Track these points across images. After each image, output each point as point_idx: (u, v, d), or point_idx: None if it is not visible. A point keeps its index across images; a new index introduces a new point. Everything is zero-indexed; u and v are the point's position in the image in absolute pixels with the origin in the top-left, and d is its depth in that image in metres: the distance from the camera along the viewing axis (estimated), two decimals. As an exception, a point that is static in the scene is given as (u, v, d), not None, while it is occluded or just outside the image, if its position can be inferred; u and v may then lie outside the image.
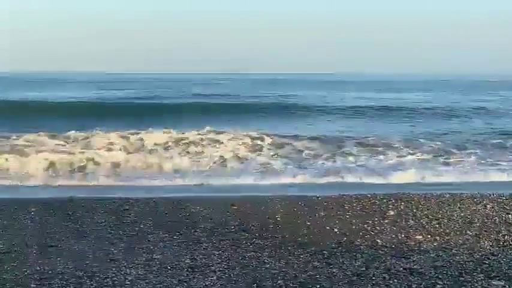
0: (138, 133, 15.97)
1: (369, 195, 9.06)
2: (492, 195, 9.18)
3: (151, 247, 6.25)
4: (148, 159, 13.48)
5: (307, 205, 8.37)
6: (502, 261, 5.82)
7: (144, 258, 5.84)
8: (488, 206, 8.36)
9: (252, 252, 6.09)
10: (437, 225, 7.30)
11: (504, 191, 9.61)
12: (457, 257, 5.96)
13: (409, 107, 28.19)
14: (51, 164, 12.69)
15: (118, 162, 13.12)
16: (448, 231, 7.05)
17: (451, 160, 14.38)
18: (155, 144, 15.22)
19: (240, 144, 15.29)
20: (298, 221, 7.49)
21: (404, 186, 10.74)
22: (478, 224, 7.37)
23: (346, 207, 8.22)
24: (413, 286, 5.11)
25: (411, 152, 15.20)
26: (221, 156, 14.04)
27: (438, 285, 5.13)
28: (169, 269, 5.51)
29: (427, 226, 7.27)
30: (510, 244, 6.49)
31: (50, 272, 5.41)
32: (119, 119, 20.63)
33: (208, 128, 16.53)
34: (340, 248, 6.32)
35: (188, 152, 14.66)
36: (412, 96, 38.81)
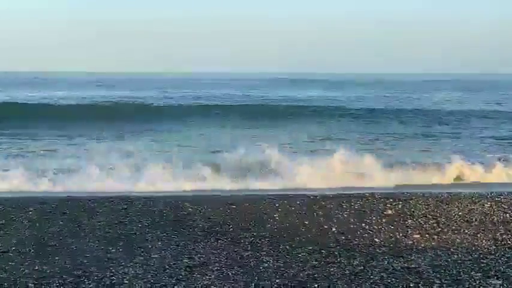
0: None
1: (367, 194, 9.06)
2: (490, 194, 9.18)
3: (150, 246, 6.25)
4: None
5: (305, 204, 8.37)
6: (499, 260, 5.83)
7: (142, 258, 5.84)
8: (486, 205, 8.37)
9: (250, 251, 6.10)
10: (435, 225, 7.30)
11: (502, 190, 9.63)
12: (455, 256, 5.97)
13: None
14: None
15: None
16: (446, 230, 7.05)
17: None
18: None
19: None
20: (297, 220, 7.49)
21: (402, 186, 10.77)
22: (476, 223, 7.38)
23: (344, 206, 8.22)
24: (411, 285, 5.12)
25: None
26: None
27: (436, 284, 5.14)
28: (168, 268, 5.50)
29: (425, 225, 7.28)
30: (508, 243, 6.50)
31: (48, 271, 5.41)
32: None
33: None
34: (338, 247, 6.32)
35: None
36: None
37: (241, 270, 5.46)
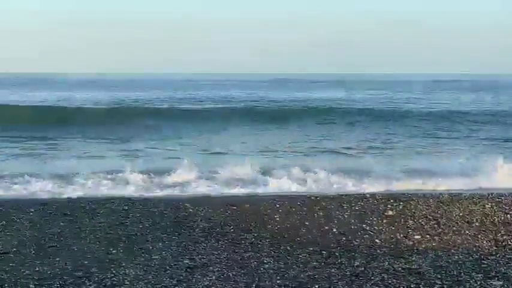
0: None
1: (367, 195, 9.05)
2: (491, 195, 9.17)
3: (150, 247, 6.25)
4: None
5: (305, 205, 8.36)
6: (500, 261, 5.83)
7: (143, 259, 5.84)
8: (487, 206, 8.35)
9: (251, 252, 6.10)
10: (436, 225, 7.30)
11: (503, 191, 9.61)
12: (456, 257, 5.97)
13: None
14: None
15: None
16: (446, 231, 7.05)
17: None
18: None
19: None
20: (297, 221, 7.49)
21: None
22: (476, 224, 7.37)
23: (345, 207, 8.21)
24: (412, 286, 5.12)
25: None
26: None
27: (437, 285, 5.14)
28: (168, 269, 5.51)
29: (425, 226, 7.28)
30: (509, 244, 6.50)
31: (48, 272, 5.41)
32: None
33: None
34: (338, 248, 6.32)
35: None
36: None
37: (242, 271, 5.47)
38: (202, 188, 10.53)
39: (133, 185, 10.56)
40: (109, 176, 11.04)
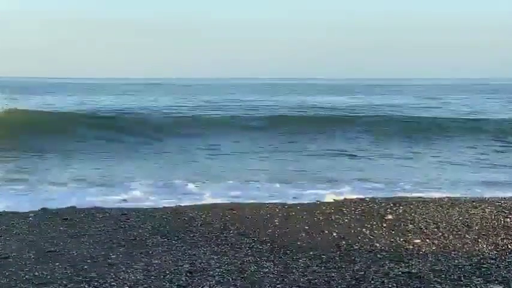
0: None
1: (367, 199, 9.06)
2: (491, 199, 9.18)
3: (150, 252, 6.25)
4: None
5: (305, 209, 8.37)
6: (500, 265, 5.82)
7: (142, 263, 5.83)
8: (487, 209, 8.35)
9: (251, 257, 6.09)
10: (435, 229, 7.30)
11: (503, 194, 9.62)
12: (456, 261, 5.96)
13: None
14: None
15: None
16: (446, 235, 7.05)
17: None
18: None
19: None
20: (297, 226, 7.48)
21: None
22: (476, 228, 7.37)
23: (345, 211, 8.21)
24: (412, 290, 5.11)
25: None
26: None
27: (437, 289, 5.14)
28: (168, 274, 5.50)
29: (425, 230, 7.27)
30: (509, 248, 6.49)
31: (48, 277, 5.40)
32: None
33: None
34: (338, 252, 6.32)
35: None
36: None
37: (242, 276, 5.46)
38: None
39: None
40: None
